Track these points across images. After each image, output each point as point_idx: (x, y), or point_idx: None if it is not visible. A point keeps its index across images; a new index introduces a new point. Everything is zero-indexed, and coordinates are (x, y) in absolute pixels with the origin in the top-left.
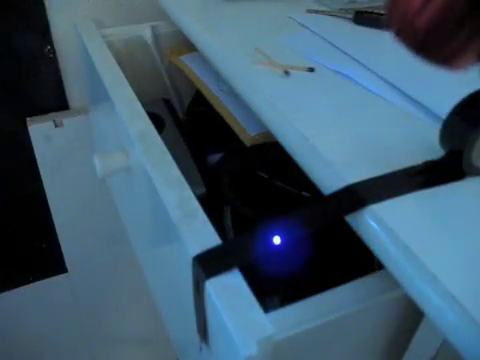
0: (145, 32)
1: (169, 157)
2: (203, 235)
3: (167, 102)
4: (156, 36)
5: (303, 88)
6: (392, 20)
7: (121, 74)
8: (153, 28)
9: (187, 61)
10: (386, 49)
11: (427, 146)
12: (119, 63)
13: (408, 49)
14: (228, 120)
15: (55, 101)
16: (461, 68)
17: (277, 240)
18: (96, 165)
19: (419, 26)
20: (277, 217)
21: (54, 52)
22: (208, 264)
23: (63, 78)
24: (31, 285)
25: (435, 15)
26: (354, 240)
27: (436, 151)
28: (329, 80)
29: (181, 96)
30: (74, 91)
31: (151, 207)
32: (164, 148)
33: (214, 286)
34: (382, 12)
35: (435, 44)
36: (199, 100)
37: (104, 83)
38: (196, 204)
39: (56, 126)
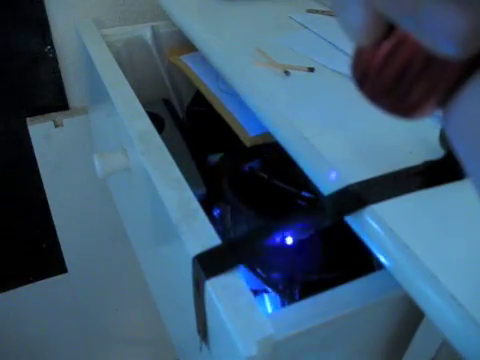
0: (145, 32)
1: (169, 157)
2: (203, 235)
3: (167, 102)
4: (156, 36)
5: (303, 88)
6: (355, 76)
7: (121, 74)
8: (153, 28)
9: (187, 61)
10: None
11: (427, 146)
12: (119, 63)
13: (369, 103)
14: (228, 120)
15: (55, 101)
16: (420, 118)
17: (289, 240)
18: (96, 165)
19: (379, 85)
20: (277, 217)
21: (54, 52)
22: (208, 264)
23: (63, 78)
24: (31, 285)
25: (394, 75)
26: (354, 240)
27: (436, 151)
28: (329, 80)
29: (181, 96)
30: (74, 91)
31: (151, 207)
32: (164, 148)
33: (214, 286)
34: None
35: (394, 100)
36: (199, 100)
37: (104, 83)
38: (196, 204)
39: (56, 126)
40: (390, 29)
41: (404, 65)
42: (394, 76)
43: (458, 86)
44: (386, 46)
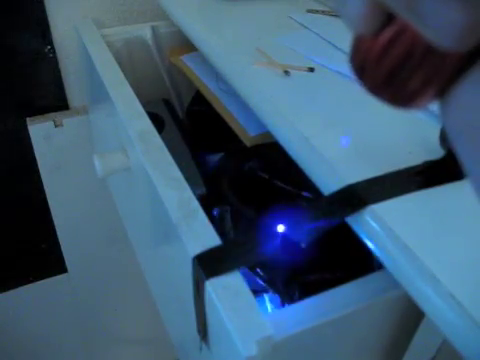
0: (145, 32)
1: (169, 157)
2: (203, 235)
3: (167, 102)
4: (156, 36)
5: (303, 88)
6: (353, 66)
7: (121, 74)
8: (153, 28)
9: (187, 61)
10: None
11: (427, 146)
12: (119, 63)
13: (368, 93)
14: (228, 120)
15: (55, 101)
16: (419, 108)
17: (281, 228)
18: (96, 165)
19: (378, 74)
20: (277, 219)
21: (54, 52)
22: (208, 264)
23: (63, 78)
24: (31, 285)
25: (393, 64)
26: (354, 240)
27: (436, 151)
28: (329, 80)
29: (181, 96)
30: (74, 91)
31: (151, 207)
32: (164, 148)
33: (214, 286)
34: None
35: (393, 90)
36: (199, 100)
37: (104, 83)
38: (196, 204)
39: (56, 126)
40: (389, 18)
41: (403, 54)
42: (393, 65)
43: (456, 77)
44: (385, 35)
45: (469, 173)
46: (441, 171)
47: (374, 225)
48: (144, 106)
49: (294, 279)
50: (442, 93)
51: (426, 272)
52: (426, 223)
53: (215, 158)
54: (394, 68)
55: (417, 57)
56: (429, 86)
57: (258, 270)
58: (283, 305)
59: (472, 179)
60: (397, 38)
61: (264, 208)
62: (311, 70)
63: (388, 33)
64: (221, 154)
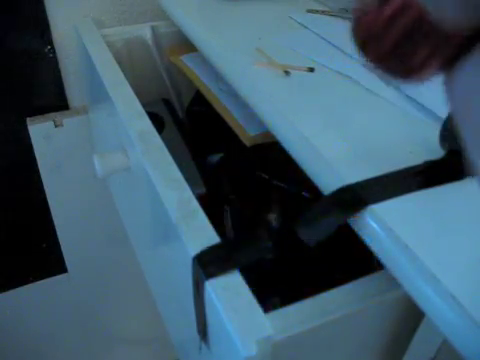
0: (145, 32)
1: (169, 157)
2: (203, 235)
3: (167, 102)
4: (156, 36)
5: (303, 88)
6: (356, 38)
7: (121, 74)
8: (153, 28)
9: (187, 61)
10: None
11: (427, 146)
12: (119, 63)
13: (371, 64)
14: (228, 120)
15: (55, 101)
16: (422, 80)
17: (280, 228)
18: (96, 165)
19: (383, 45)
20: (277, 219)
21: (54, 52)
22: (208, 264)
23: (63, 78)
24: (31, 285)
25: (400, 34)
26: (354, 240)
27: (436, 151)
28: (329, 80)
29: (181, 96)
30: (74, 91)
31: (151, 207)
32: (164, 148)
33: (214, 286)
34: None
35: (397, 61)
36: (199, 100)
37: (104, 83)
38: (196, 204)
39: (56, 126)
40: None
41: (410, 25)
42: (399, 36)
43: (462, 51)
44: (391, 6)
45: (470, 149)
46: (441, 171)
47: (374, 225)
48: (144, 106)
49: (294, 279)
50: (446, 66)
51: (426, 272)
52: (426, 223)
53: (215, 158)
54: (400, 39)
55: (423, 28)
56: (434, 58)
57: (257, 270)
58: (283, 305)
59: (474, 158)
60: (404, 9)
61: (264, 208)
62: (311, 70)
63: (394, 4)
64: (221, 154)
